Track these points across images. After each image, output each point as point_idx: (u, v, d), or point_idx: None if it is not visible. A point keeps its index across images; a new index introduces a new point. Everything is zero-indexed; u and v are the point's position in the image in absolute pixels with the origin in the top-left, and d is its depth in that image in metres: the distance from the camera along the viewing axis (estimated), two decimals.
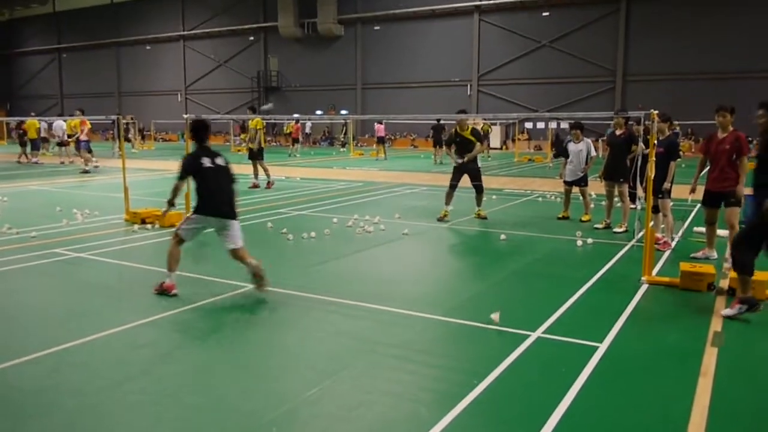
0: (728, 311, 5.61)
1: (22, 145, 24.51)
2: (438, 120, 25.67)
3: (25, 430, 3.57)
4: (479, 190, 10.93)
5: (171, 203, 6.32)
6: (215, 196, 6.16)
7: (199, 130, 6.39)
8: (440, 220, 10.69)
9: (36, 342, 4.85)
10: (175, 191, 6.23)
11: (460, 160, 10.73)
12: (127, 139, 29.23)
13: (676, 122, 11.74)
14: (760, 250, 5.64)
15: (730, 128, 7.31)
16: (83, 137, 20.35)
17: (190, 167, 6.18)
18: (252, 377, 4.35)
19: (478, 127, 12.01)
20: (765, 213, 5.53)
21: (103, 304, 5.99)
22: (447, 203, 10.93)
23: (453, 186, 10.91)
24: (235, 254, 6.16)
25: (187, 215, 6.51)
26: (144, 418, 3.72)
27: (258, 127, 15.17)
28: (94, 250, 8.29)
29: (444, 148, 11.72)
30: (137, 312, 5.63)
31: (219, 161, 6.27)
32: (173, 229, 6.80)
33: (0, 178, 18.62)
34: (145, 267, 7.37)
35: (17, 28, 58.35)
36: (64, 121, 24.20)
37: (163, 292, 6.12)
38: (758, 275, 5.89)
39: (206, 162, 6.17)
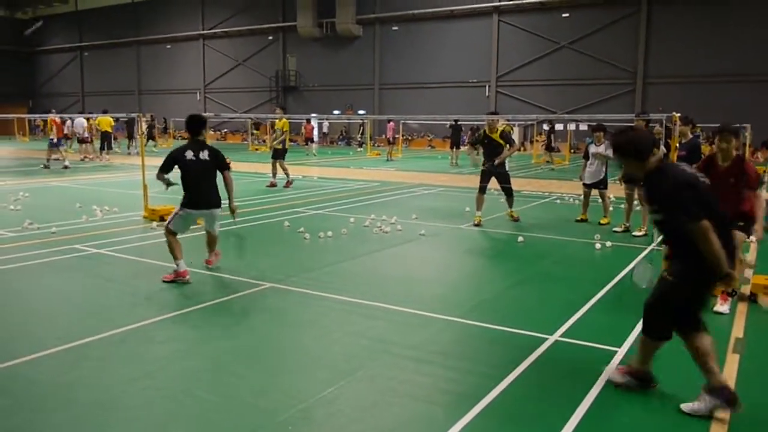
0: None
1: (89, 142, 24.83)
2: (456, 120, 25.56)
3: (43, 423, 3.60)
4: (509, 193, 10.73)
5: (167, 182, 6.79)
6: (200, 189, 6.63)
7: (190, 124, 6.82)
8: (477, 225, 10.35)
9: (54, 337, 4.90)
10: (161, 181, 6.73)
11: (488, 164, 10.39)
12: (152, 137, 29.35)
13: (698, 125, 11.56)
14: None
15: (733, 154, 5.79)
16: (56, 136, 21.08)
17: (171, 158, 6.63)
18: (267, 375, 4.35)
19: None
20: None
21: (121, 300, 6.03)
22: (478, 208, 10.56)
23: (482, 189, 10.53)
24: (210, 236, 7.05)
25: (175, 210, 6.83)
26: (159, 414, 3.73)
27: (285, 129, 15.27)
28: (113, 246, 8.36)
29: (467, 147, 11.48)
30: (154, 308, 5.67)
31: (203, 155, 6.62)
32: (192, 226, 6.92)
33: (22, 174, 18.87)
34: (162, 264, 7.40)
35: (40, 26, 59.13)
36: (86, 119, 24.55)
37: (177, 278, 6.49)
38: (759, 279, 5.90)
39: (189, 155, 6.59)
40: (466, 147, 11.42)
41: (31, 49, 59.20)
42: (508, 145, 10.44)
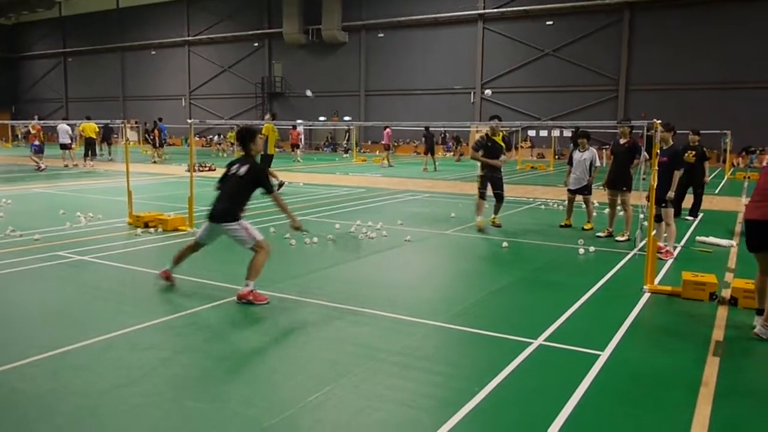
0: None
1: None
2: (427, 128, 25.68)
3: (28, 431, 3.58)
4: (500, 198, 10.86)
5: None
6: (215, 202, 6.36)
7: (240, 138, 6.51)
8: (481, 230, 10.46)
9: (37, 344, 4.86)
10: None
11: (498, 163, 10.67)
12: (156, 144, 28.89)
13: (681, 132, 11.72)
14: None
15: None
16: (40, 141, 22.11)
17: (223, 174, 6.45)
18: (253, 382, 4.35)
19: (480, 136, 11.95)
20: None
21: (105, 307, 6.00)
22: (479, 213, 10.74)
23: (482, 194, 10.72)
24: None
25: None
26: (144, 422, 3.72)
27: (266, 133, 14.79)
28: (97, 253, 8.31)
29: (471, 152, 11.64)
30: (139, 315, 5.64)
31: (241, 170, 6.31)
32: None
33: (4, 180, 18.68)
34: (147, 270, 7.38)
35: (23, 32, 58.66)
36: (69, 125, 24.45)
37: (162, 277, 6.61)
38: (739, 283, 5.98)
39: (233, 169, 6.37)
40: (472, 152, 11.55)
41: (14, 54, 58.64)
42: (506, 149, 10.74)
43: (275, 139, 15.58)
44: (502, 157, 10.70)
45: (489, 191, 10.82)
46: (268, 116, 15.86)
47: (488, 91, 35.97)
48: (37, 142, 21.97)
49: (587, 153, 10.57)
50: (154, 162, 26.87)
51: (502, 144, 10.67)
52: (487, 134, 10.86)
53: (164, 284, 6.62)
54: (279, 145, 34.95)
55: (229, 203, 6.28)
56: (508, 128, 34.04)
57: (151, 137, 28.63)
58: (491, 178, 10.72)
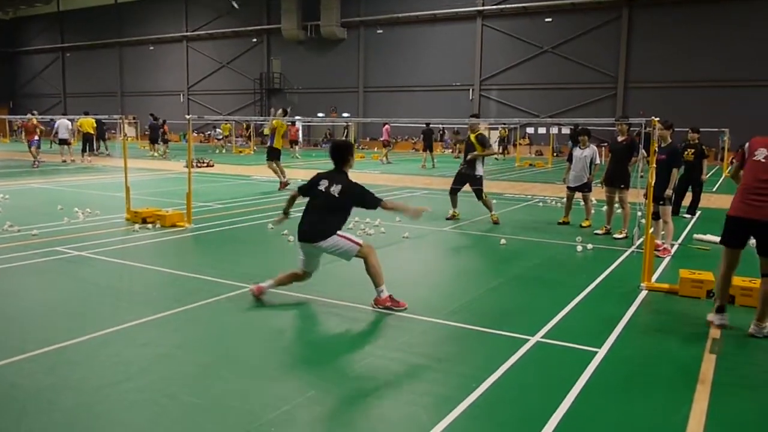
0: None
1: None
2: (427, 124, 25.69)
3: (24, 427, 3.58)
4: (478, 195, 10.99)
5: (285, 213, 6.33)
6: (304, 220, 5.86)
7: (332, 154, 6.01)
8: (449, 219, 11.12)
9: (35, 340, 4.86)
10: (289, 201, 6.21)
11: (463, 165, 11.10)
12: (165, 140, 28.92)
13: (680, 129, 11.74)
14: None
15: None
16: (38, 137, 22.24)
17: (307, 185, 5.99)
18: (251, 378, 4.35)
19: (493, 133, 12.36)
20: None
21: (103, 302, 6.00)
22: (453, 205, 11.30)
23: (453, 190, 11.26)
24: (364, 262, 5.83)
25: None
26: (142, 418, 3.72)
27: (276, 127, 15.48)
28: (95, 248, 8.30)
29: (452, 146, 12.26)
30: (136, 311, 5.64)
31: (334, 189, 5.76)
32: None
33: (2, 175, 18.65)
34: (145, 266, 7.38)
35: (21, 26, 58.50)
36: (70, 120, 24.46)
37: (256, 294, 6.03)
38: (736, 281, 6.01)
39: (322, 185, 5.82)
40: (453, 148, 12.00)
41: (12, 49, 58.48)
42: (481, 147, 10.89)
43: (282, 133, 15.88)
44: (472, 154, 10.93)
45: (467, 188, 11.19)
46: (279, 111, 16.00)
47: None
48: (36, 138, 21.96)
49: (588, 150, 10.58)
50: (163, 158, 26.90)
51: (474, 142, 10.91)
52: (469, 132, 11.27)
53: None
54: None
55: (324, 224, 5.75)
56: (506, 125, 34.10)
57: (161, 132, 28.69)
58: (466, 174, 11.04)
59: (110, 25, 52.02)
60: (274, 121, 15.53)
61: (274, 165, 15.68)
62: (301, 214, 6.02)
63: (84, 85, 54.80)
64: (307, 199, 6.04)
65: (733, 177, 5.92)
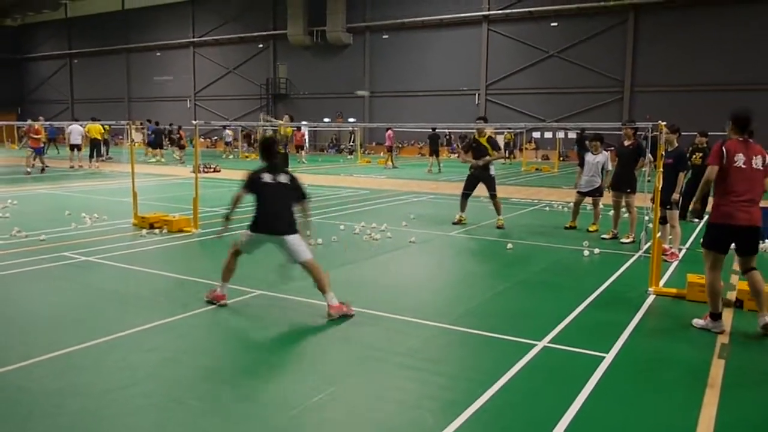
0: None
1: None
2: (433, 129, 25.72)
3: (33, 431, 3.58)
4: (492, 197, 11.01)
5: (227, 218, 6.15)
6: (268, 213, 5.85)
7: (263, 149, 6.14)
8: (455, 223, 11.08)
9: (43, 344, 4.88)
10: (233, 202, 6.01)
11: (475, 168, 11.00)
12: (180, 146, 28.97)
13: (687, 133, 11.72)
14: None
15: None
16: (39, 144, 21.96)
17: (251, 182, 5.93)
18: (257, 382, 4.35)
19: (499, 137, 12.38)
20: None
21: (110, 307, 6.02)
22: (462, 210, 11.26)
23: (465, 195, 11.18)
24: (304, 267, 5.82)
25: (245, 230, 6.06)
26: (148, 422, 3.73)
27: (284, 133, 15.96)
28: (103, 254, 8.34)
29: (462, 154, 12.14)
30: (144, 316, 5.65)
31: (281, 178, 5.91)
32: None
33: (10, 181, 18.75)
34: (152, 271, 7.40)
35: (29, 33, 58.93)
36: (81, 125, 24.60)
37: (213, 300, 6.04)
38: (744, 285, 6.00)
39: (266, 178, 5.88)
40: (462, 153, 11.97)
41: (20, 55, 58.91)
42: (493, 150, 10.97)
43: (287, 137, 16.26)
44: (488, 157, 10.90)
45: (484, 192, 11.11)
46: (286, 117, 16.34)
47: (362, 92, 37.14)
48: (42, 145, 22.06)
49: (600, 156, 10.57)
50: (180, 162, 27.04)
51: (487, 145, 10.91)
52: (473, 136, 11.13)
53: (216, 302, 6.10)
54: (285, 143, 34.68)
55: (292, 217, 5.87)
56: (511, 130, 34.06)
57: (177, 137, 28.81)
58: (480, 177, 10.99)
59: (117, 32, 52.34)
60: (280, 129, 15.85)
61: None
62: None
63: (91, 91, 55.09)
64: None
65: (713, 182, 5.51)
